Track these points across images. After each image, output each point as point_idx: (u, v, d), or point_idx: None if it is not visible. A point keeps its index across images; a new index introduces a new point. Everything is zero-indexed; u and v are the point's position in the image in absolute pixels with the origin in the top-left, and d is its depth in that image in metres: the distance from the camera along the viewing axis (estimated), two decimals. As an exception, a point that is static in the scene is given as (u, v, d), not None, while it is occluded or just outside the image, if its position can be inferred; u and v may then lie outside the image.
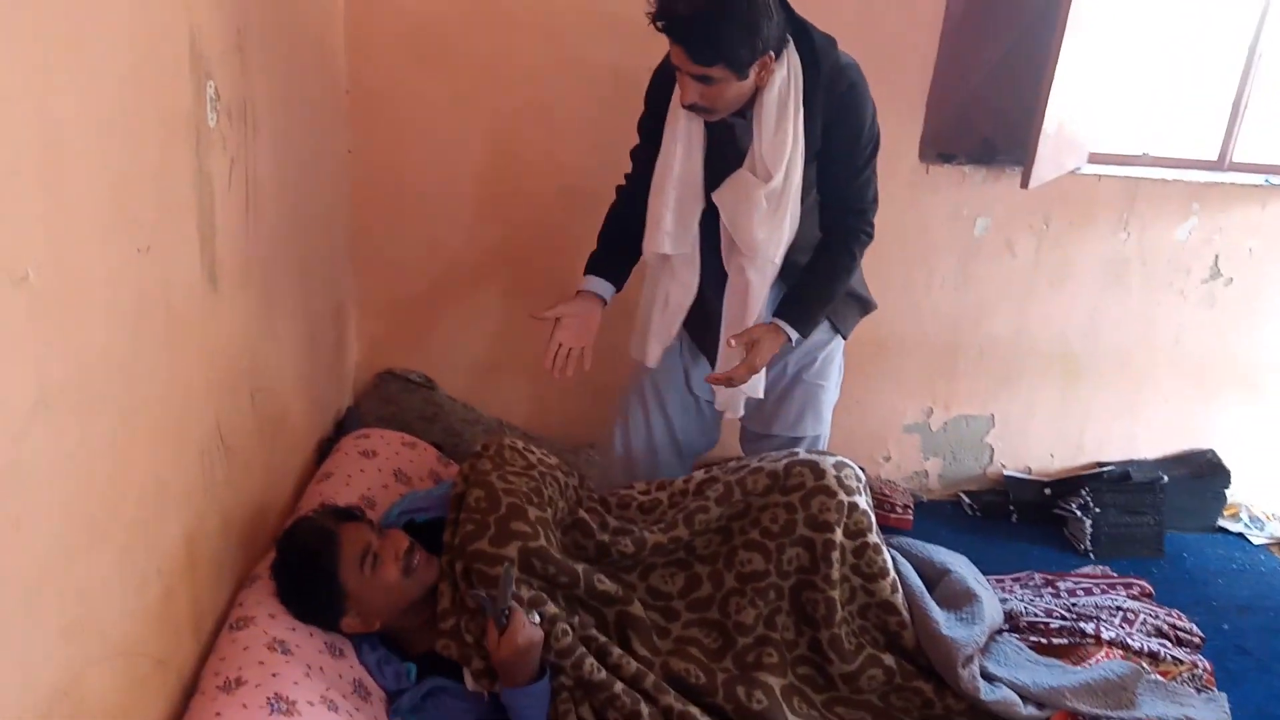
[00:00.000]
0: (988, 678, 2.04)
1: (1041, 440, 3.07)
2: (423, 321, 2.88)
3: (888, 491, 2.95)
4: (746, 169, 2.00)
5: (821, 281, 2.11)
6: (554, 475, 2.09)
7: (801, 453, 2.13)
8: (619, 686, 1.83)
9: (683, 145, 2.02)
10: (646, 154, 2.11)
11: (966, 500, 3.03)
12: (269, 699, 1.60)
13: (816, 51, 1.94)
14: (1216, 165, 2.88)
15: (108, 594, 1.40)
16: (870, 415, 3.02)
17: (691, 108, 1.93)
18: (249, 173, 1.88)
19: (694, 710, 1.85)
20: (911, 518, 2.89)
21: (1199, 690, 2.14)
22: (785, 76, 1.91)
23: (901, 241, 2.82)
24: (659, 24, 1.81)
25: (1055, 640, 2.20)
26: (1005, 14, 2.64)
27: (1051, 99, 2.42)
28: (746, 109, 1.96)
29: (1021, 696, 2.01)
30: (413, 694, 1.87)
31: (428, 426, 2.73)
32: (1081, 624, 2.23)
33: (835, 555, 2.00)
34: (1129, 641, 2.20)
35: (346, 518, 1.94)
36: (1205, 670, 2.20)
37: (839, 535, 2.01)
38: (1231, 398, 3.04)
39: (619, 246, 2.19)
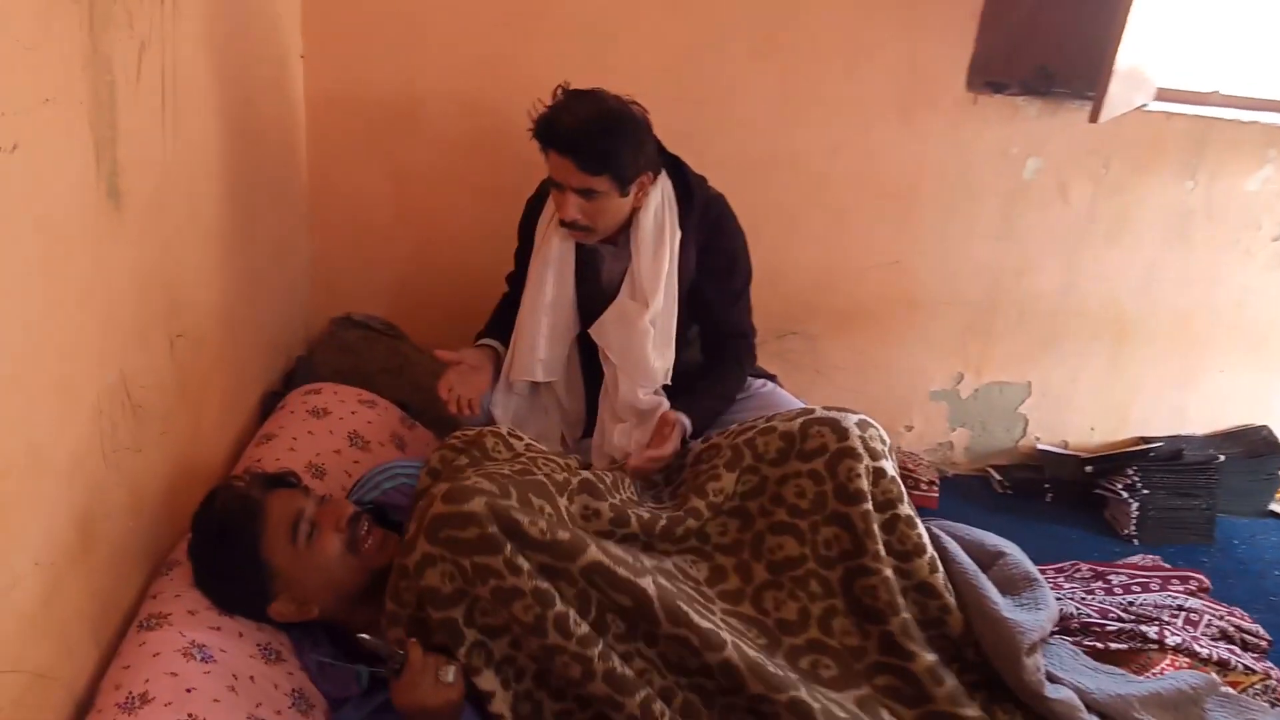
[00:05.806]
0: (1049, 678, 1.81)
1: (1083, 412, 2.83)
2: (387, 259, 2.65)
3: (910, 465, 2.71)
4: (625, 295, 2.05)
5: (717, 395, 2.15)
6: (546, 459, 1.81)
7: (818, 410, 1.87)
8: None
9: (554, 270, 2.06)
10: (521, 280, 2.15)
11: (996, 476, 2.80)
12: (179, 722, 1.32)
13: (690, 182, 2.04)
14: (1298, 106, 2.62)
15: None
16: (893, 380, 2.79)
17: (571, 225, 1.96)
18: (166, 63, 1.54)
19: None
20: (937, 494, 2.66)
21: (1273, 705, 1.95)
22: (660, 201, 2.00)
23: (939, 183, 2.57)
24: (543, 139, 1.88)
25: (1114, 645, 2.01)
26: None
27: (1129, 22, 2.13)
28: (617, 236, 2.02)
29: (1085, 704, 1.79)
30: (358, 705, 1.57)
31: (392, 381, 2.46)
32: (1142, 627, 2.04)
33: (876, 529, 1.75)
34: (1195, 648, 2.01)
35: (276, 484, 1.65)
36: (1278, 681, 2.00)
37: (870, 506, 1.76)
38: (1292, 370, 2.82)
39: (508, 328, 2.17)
